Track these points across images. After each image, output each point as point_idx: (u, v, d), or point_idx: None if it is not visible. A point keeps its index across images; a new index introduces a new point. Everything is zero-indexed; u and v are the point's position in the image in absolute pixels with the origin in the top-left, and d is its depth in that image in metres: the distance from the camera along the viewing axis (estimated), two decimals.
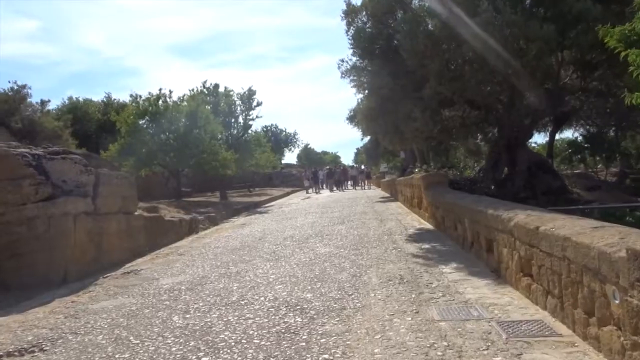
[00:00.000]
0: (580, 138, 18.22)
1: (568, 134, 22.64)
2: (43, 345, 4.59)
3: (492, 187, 12.04)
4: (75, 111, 28.49)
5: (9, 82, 28.12)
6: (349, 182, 39.75)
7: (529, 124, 12.61)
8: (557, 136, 19.04)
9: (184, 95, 23.95)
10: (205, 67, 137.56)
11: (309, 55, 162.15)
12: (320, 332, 4.32)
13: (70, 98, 30.52)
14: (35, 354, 4.41)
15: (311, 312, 4.97)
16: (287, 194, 33.77)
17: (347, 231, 11.12)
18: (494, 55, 10.18)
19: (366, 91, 11.89)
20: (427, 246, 8.50)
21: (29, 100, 22.76)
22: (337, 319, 4.69)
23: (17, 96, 21.91)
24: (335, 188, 35.68)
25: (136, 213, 10.79)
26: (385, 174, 37.63)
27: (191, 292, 6.29)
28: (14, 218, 8.11)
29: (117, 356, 4.13)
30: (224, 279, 6.94)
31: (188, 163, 21.78)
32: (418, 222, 12.04)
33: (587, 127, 16.44)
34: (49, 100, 26.23)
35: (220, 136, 26.01)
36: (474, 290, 5.45)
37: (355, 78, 11.59)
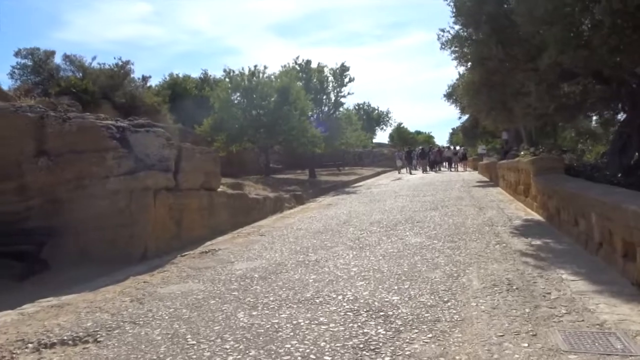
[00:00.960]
0: None
1: None
2: (98, 336, 4.17)
3: (619, 174, 10.20)
4: (175, 87, 29.47)
5: (114, 58, 29.66)
6: (444, 164, 38.09)
7: None
8: None
9: (277, 71, 23.72)
10: (302, 45, 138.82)
11: (406, 33, 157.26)
12: (407, 353, 3.45)
13: (170, 74, 31.69)
14: (88, 345, 4.00)
15: (397, 321, 4.10)
16: (377, 174, 32.81)
17: (440, 219, 10.01)
18: (632, 18, 8.41)
19: (469, 63, 10.49)
20: (538, 242, 7.21)
21: (132, 76, 23.73)
22: (430, 334, 3.78)
23: (122, 72, 22.89)
24: (429, 169, 34.36)
25: (219, 190, 10.50)
26: (484, 156, 35.10)
27: (263, 282, 5.68)
28: (97, 191, 8.05)
29: None
30: (301, 268, 6.26)
31: (277, 140, 21.58)
32: (524, 212, 10.58)
33: None
34: (150, 76, 27.32)
35: (310, 113, 25.60)
36: (610, 308, 4.23)
37: (457, 49, 10.24)
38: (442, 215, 10.44)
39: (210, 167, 10.07)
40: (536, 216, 9.73)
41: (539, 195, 9.77)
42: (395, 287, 5.12)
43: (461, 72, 12.11)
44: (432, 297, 4.74)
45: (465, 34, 10.00)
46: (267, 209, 12.81)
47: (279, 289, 5.34)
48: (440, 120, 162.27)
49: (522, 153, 15.39)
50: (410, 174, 32.10)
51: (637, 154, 11.22)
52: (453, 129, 61.90)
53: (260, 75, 21.73)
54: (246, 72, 21.66)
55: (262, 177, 20.20)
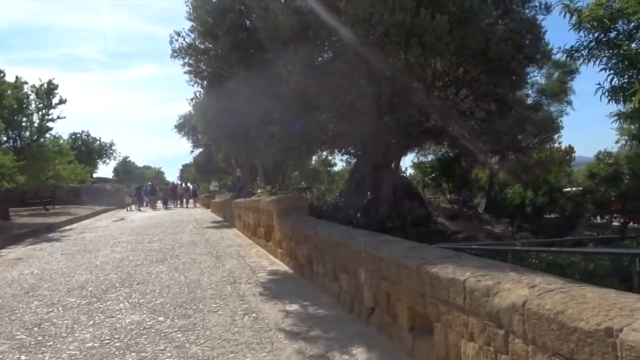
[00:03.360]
0: (434, 162, 17.52)
1: (411, 157, 22.25)
2: None
3: (358, 214, 9.85)
4: None
5: None
6: (177, 201, 37.14)
7: (396, 142, 10.84)
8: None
9: None
10: (10, 62, 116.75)
11: (136, 63, 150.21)
12: None
13: None
14: None
15: None
16: (97, 213, 28.20)
17: (169, 275, 7.75)
18: (370, 52, 8.06)
19: (205, 81, 8.77)
20: (294, 307, 5.68)
21: None
22: None
23: None
24: (161, 206, 32.94)
25: None
26: (216, 193, 34.30)
27: None
28: None
29: None
30: None
31: None
32: (267, 260, 9.19)
33: (442, 150, 15.62)
34: None
35: (5, 139, 20.15)
36: None
37: (192, 62, 8.38)
38: (171, 270, 8.18)
39: None
40: (282, 266, 8.40)
41: (284, 241, 8.49)
42: None
43: (197, 93, 10.28)
44: None
45: (203, 46, 8.23)
46: None
47: None
48: (171, 156, 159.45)
49: (259, 191, 14.42)
50: (139, 211, 29.60)
51: (369, 193, 11.27)
52: (183, 166, 60.79)
53: None
54: None
55: None
